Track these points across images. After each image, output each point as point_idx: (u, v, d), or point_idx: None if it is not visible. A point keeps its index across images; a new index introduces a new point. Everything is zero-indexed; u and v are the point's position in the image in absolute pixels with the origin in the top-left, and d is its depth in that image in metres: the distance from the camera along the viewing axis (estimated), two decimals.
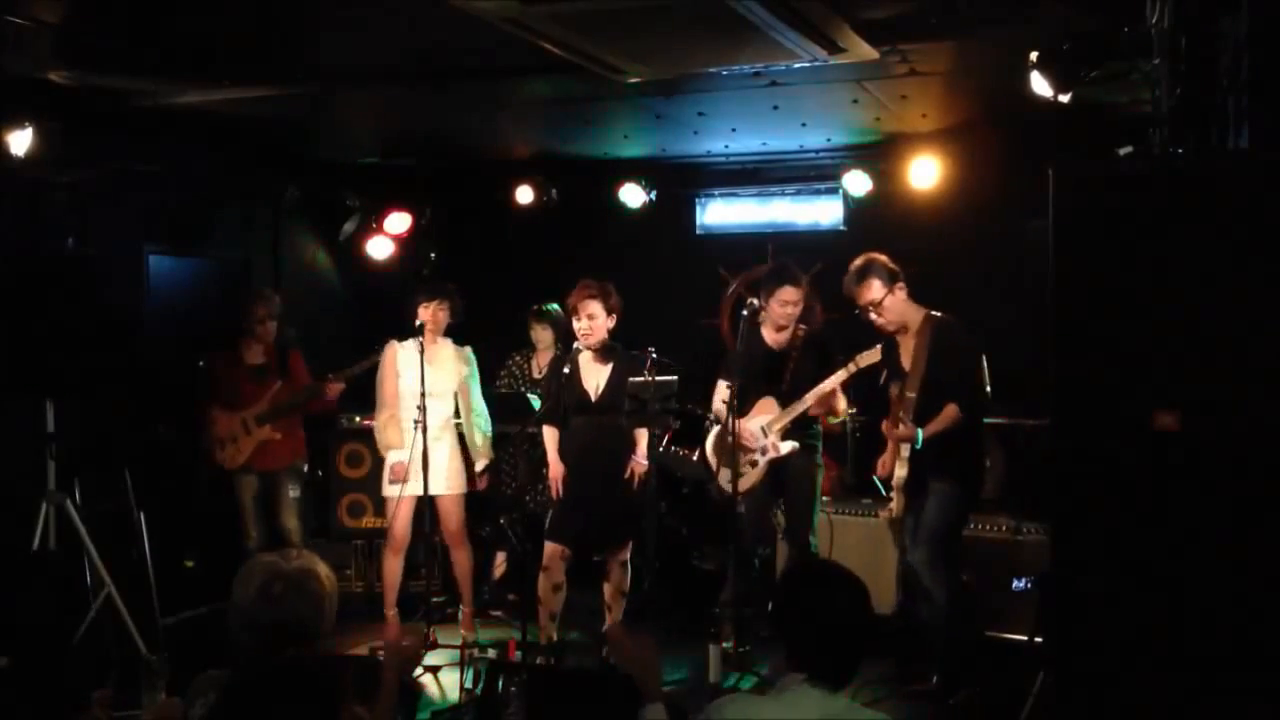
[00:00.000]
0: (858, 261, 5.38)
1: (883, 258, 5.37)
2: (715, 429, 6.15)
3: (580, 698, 3.61)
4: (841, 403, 5.81)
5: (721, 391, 6.00)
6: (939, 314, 5.34)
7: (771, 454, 5.76)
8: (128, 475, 6.11)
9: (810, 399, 5.68)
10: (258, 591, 2.85)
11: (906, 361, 5.33)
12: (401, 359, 6.08)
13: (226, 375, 6.50)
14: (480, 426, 6.25)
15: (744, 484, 5.74)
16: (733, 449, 5.57)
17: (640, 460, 5.72)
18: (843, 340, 5.98)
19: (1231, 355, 3.27)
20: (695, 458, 6.44)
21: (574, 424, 5.89)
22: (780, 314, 5.78)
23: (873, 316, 5.35)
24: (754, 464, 5.78)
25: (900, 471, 5.25)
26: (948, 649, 5.24)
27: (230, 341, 6.55)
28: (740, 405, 5.91)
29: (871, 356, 5.69)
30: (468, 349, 6.29)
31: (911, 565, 5.35)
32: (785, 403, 5.80)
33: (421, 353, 5.84)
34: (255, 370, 6.50)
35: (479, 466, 6.24)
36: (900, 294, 5.32)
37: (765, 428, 5.74)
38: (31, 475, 5.60)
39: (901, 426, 5.20)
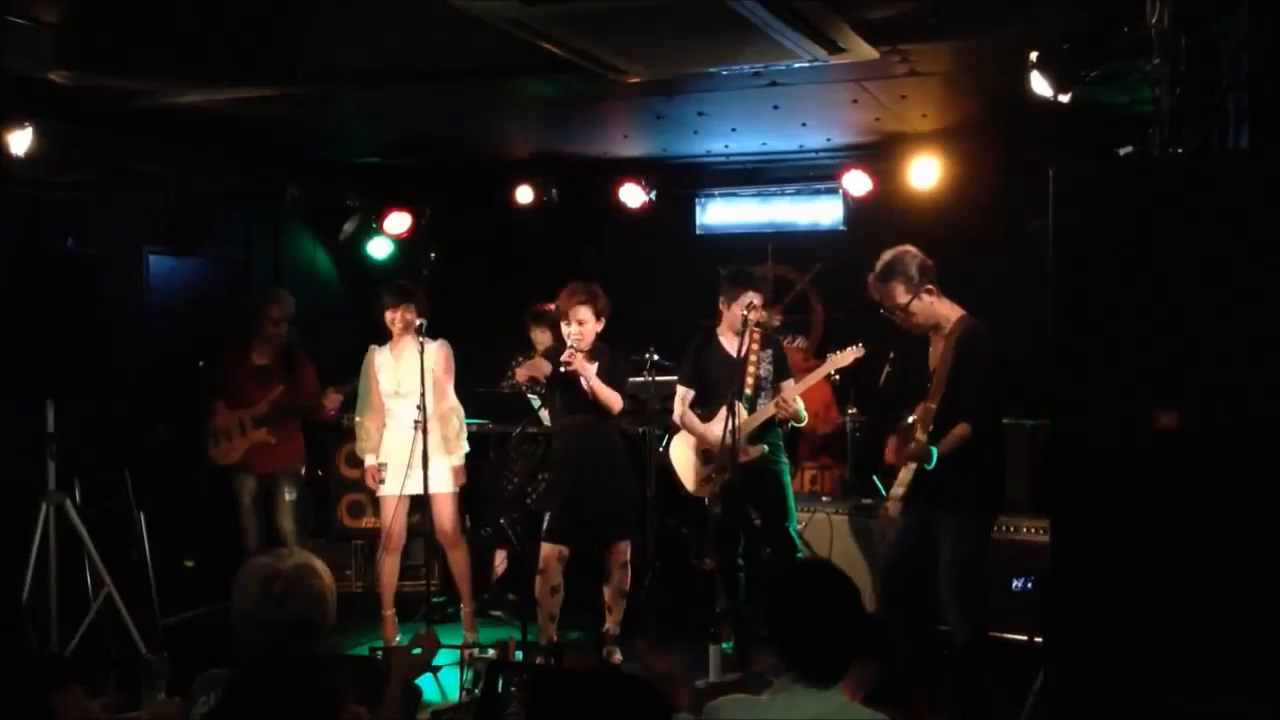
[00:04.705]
0: (885, 258, 4.88)
1: (911, 252, 4.87)
2: (678, 436, 6.14)
3: (580, 698, 3.61)
4: (801, 405, 5.82)
5: (681, 394, 6.02)
6: (971, 318, 4.88)
7: (741, 458, 5.73)
8: (128, 475, 6.12)
9: (783, 399, 5.68)
10: (259, 593, 2.85)
11: (934, 364, 4.92)
12: (377, 362, 6.13)
13: (232, 372, 6.51)
14: (452, 419, 6.19)
15: (714, 487, 5.73)
16: (733, 451, 5.56)
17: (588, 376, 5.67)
18: (841, 341, 5.99)
19: (1231, 355, 3.27)
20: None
21: (564, 424, 5.90)
22: (747, 319, 5.76)
23: (898, 320, 4.92)
24: (723, 469, 5.76)
25: (903, 483, 4.87)
26: (957, 684, 4.96)
27: (238, 339, 6.56)
28: (704, 411, 5.93)
29: (845, 358, 5.65)
30: (440, 341, 6.19)
31: (894, 568, 5.10)
32: (750, 406, 5.80)
33: (422, 353, 5.84)
34: (260, 371, 6.51)
35: (454, 461, 6.21)
36: (928, 297, 4.84)
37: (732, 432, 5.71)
38: (31, 475, 5.60)
39: (913, 444, 4.79)
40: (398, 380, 6.08)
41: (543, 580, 5.76)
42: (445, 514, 6.16)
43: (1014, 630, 5.58)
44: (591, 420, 5.77)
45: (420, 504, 6.11)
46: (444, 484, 6.13)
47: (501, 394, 7.03)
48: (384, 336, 6.23)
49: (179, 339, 7.11)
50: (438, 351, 6.14)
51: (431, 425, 5.98)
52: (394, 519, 6.09)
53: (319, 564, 2.97)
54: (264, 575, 2.88)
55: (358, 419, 6.25)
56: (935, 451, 4.73)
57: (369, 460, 6.18)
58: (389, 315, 6.08)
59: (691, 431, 6.01)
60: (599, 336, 5.80)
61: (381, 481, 6.03)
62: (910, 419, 4.85)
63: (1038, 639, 4.87)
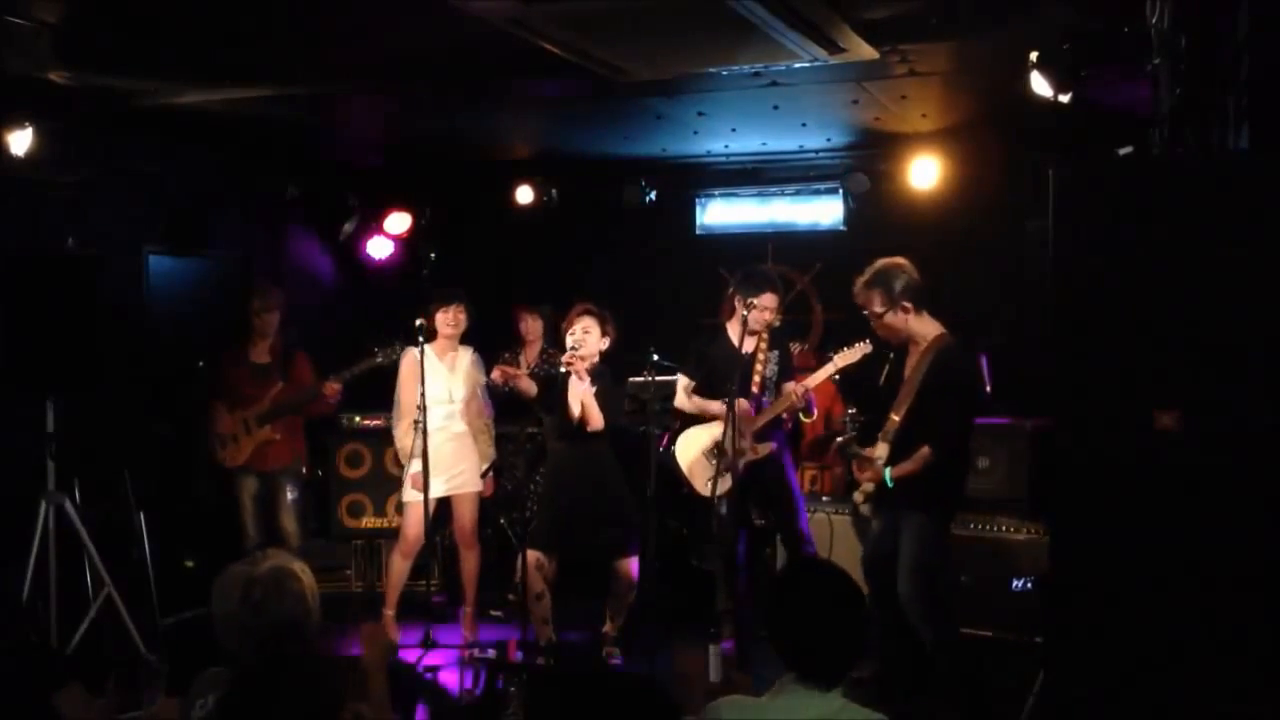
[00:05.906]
0: (876, 265, 4.99)
1: (904, 267, 4.94)
2: (684, 434, 6.12)
3: (579, 698, 3.61)
4: (811, 398, 5.84)
5: (683, 382, 6.01)
6: (947, 337, 4.96)
7: (750, 456, 5.73)
8: (128, 475, 6.11)
9: (792, 397, 5.68)
10: (239, 601, 2.82)
11: (907, 375, 5.03)
12: (425, 365, 6.07)
13: (230, 374, 6.50)
14: (491, 429, 6.29)
15: (721, 486, 5.73)
16: (733, 450, 5.56)
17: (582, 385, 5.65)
18: (840, 340, 5.99)
19: (1231, 355, 3.27)
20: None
21: (555, 447, 5.87)
22: (757, 319, 5.76)
23: (873, 325, 5.07)
24: (729, 467, 5.75)
25: (864, 490, 5.05)
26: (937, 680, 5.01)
27: (236, 340, 6.56)
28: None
29: (851, 355, 5.66)
30: (473, 351, 6.31)
31: (873, 568, 5.13)
32: (758, 405, 5.80)
33: (423, 356, 5.84)
34: (258, 369, 6.50)
35: (484, 468, 6.23)
36: (903, 314, 4.92)
37: (742, 430, 5.71)
38: (31, 475, 5.60)
39: (869, 471, 4.98)
40: (453, 386, 6.09)
41: (526, 588, 5.72)
42: (467, 513, 6.20)
43: (1014, 630, 5.58)
44: (583, 443, 5.74)
45: (436, 505, 6.10)
46: (472, 484, 6.17)
47: (501, 393, 7.02)
48: (397, 334, 6.18)
49: (179, 339, 7.11)
50: (481, 360, 6.28)
51: (465, 429, 6.13)
52: (416, 523, 6.07)
53: (296, 565, 2.93)
54: (242, 583, 2.84)
55: (398, 425, 6.19)
56: (889, 473, 4.89)
57: (414, 466, 6.03)
58: (440, 317, 6.06)
59: (697, 411, 6.00)
60: (603, 358, 5.77)
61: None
62: (867, 451, 5.02)
63: (1038, 639, 4.87)
